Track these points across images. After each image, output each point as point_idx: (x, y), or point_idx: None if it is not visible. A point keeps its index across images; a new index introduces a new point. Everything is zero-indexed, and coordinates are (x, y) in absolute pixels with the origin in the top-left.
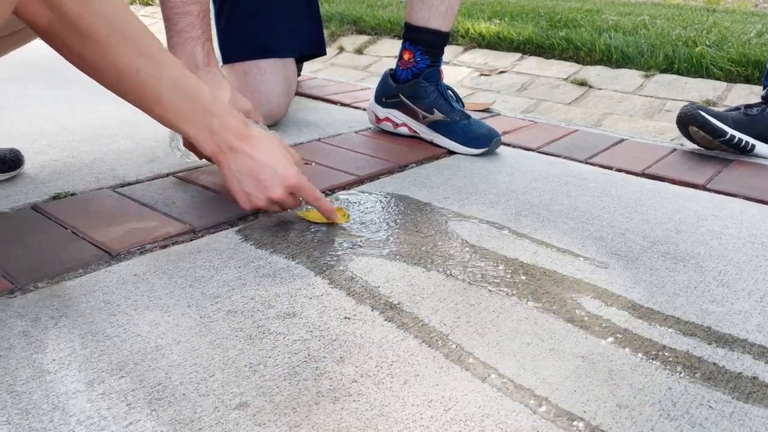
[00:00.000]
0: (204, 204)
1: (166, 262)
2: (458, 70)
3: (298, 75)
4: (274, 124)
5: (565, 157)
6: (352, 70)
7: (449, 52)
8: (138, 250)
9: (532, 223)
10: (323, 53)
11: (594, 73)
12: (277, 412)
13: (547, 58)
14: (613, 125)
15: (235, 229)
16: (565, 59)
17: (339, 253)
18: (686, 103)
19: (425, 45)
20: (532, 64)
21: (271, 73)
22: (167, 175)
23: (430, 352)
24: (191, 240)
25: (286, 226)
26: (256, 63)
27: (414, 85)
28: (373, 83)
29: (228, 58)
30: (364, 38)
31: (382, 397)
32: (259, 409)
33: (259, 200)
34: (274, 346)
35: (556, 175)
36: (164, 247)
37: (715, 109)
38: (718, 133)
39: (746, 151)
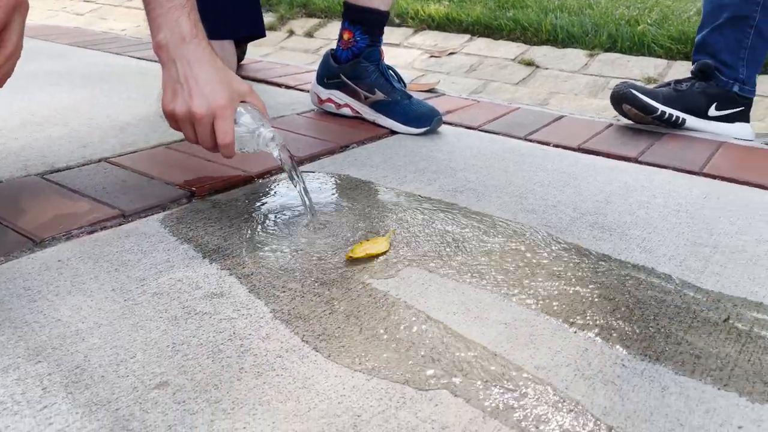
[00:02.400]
0: (136, 188)
1: (93, 247)
2: (409, 52)
3: (242, 58)
4: None
5: (505, 135)
6: (302, 54)
7: (400, 34)
8: (64, 236)
9: (467, 198)
10: (262, 35)
11: (541, 53)
12: (198, 389)
13: (495, 39)
14: (559, 104)
15: (168, 212)
16: (513, 40)
17: (272, 233)
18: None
19: (364, 24)
20: (481, 45)
21: None
22: (99, 160)
23: (357, 324)
24: (120, 224)
25: (220, 208)
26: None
27: (355, 65)
28: None
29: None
30: (314, 21)
31: (305, 370)
32: (179, 388)
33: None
34: (199, 326)
35: (495, 152)
36: (92, 232)
37: (649, 86)
38: (650, 110)
39: (677, 125)
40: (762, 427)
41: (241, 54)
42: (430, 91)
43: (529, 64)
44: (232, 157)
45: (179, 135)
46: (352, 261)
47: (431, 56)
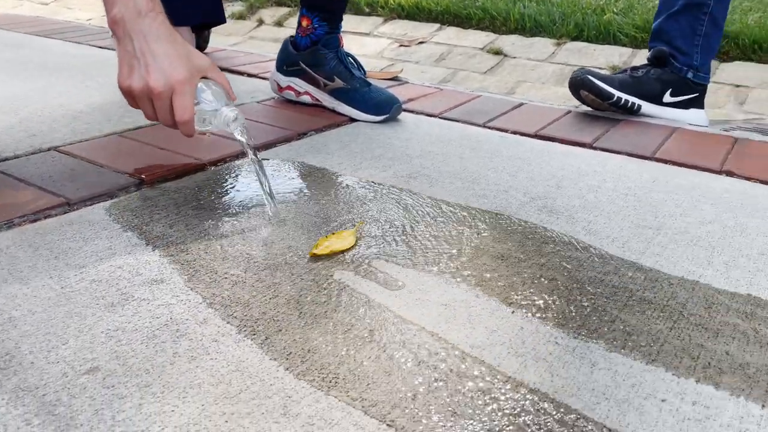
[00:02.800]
0: (84, 176)
1: (34, 235)
2: (378, 41)
3: (205, 46)
4: None
5: (465, 122)
6: (271, 43)
7: (370, 23)
8: (5, 224)
9: (420, 184)
10: (222, 21)
11: (509, 42)
12: (129, 374)
13: (464, 28)
14: (526, 92)
15: (115, 200)
16: (481, 29)
17: (219, 220)
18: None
19: (322, 11)
20: (450, 34)
21: None
22: (49, 149)
23: (297, 308)
24: (65, 213)
25: (169, 196)
26: None
27: (314, 52)
28: None
29: None
30: (284, 10)
31: (240, 353)
32: (109, 373)
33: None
34: (136, 312)
35: (453, 138)
36: (35, 221)
37: (604, 72)
38: (606, 96)
39: (633, 111)
40: (685, 400)
41: (202, 42)
42: (394, 79)
43: (498, 53)
44: (192, 136)
45: (133, 123)
46: (316, 257)
47: (401, 45)
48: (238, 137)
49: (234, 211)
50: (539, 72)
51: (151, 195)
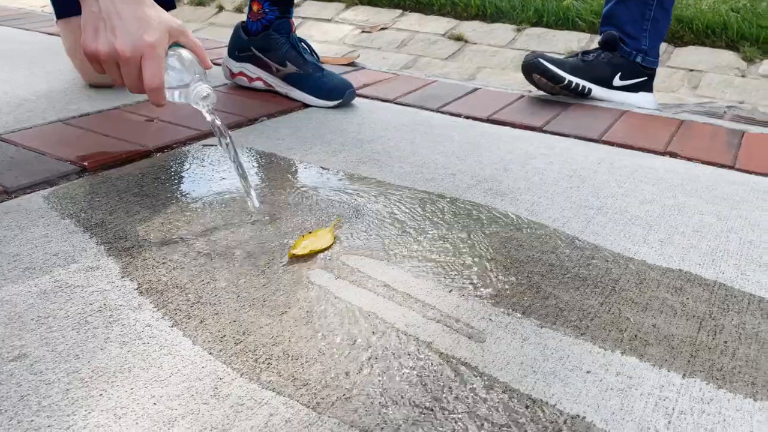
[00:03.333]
0: (23, 165)
1: None
2: (340, 27)
3: None
4: None
5: (419, 107)
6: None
7: (331, 9)
8: None
9: (369, 169)
10: (172, 7)
11: (470, 28)
12: (58, 360)
13: (426, 14)
14: (486, 78)
15: (54, 188)
16: (443, 15)
17: (160, 206)
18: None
19: None
20: (412, 20)
21: None
22: None
23: (235, 292)
24: (2, 201)
25: (111, 183)
26: None
27: (265, 37)
28: None
29: (62, 13)
30: None
31: (173, 337)
32: (38, 359)
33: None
34: (69, 299)
35: (405, 123)
36: None
37: (556, 56)
38: (557, 79)
39: (584, 94)
40: (609, 371)
41: None
42: (351, 64)
43: (459, 39)
44: (163, 105)
45: (78, 111)
46: (296, 258)
47: (363, 31)
48: (207, 117)
49: (177, 198)
50: (499, 58)
51: (92, 182)
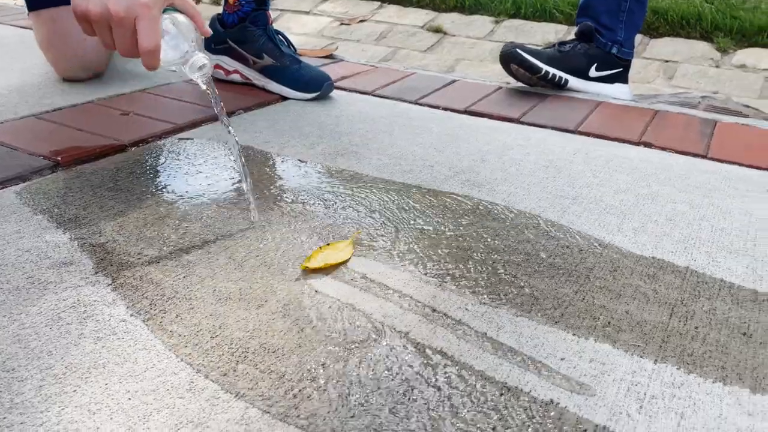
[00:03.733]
0: None
1: None
2: (318, 19)
3: None
4: (95, 76)
5: (397, 99)
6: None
7: (310, 1)
8: None
9: (347, 161)
10: None
11: (449, 20)
12: (31, 356)
13: (405, 6)
14: (465, 70)
15: (26, 183)
16: (422, 7)
17: (135, 200)
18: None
19: None
20: (391, 12)
21: None
22: None
23: (211, 286)
24: None
25: (85, 178)
26: (66, 9)
27: (242, 29)
28: None
29: (33, 4)
30: None
31: (149, 332)
32: (10, 356)
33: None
34: (42, 295)
35: (384, 115)
36: None
37: (534, 47)
38: (535, 70)
39: (561, 85)
40: (583, 358)
41: None
42: (329, 57)
43: (438, 31)
44: (156, 68)
45: (52, 105)
46: (312, 271)
47: (341, 24)
48: (202, 87)
49: (152, 192)
50: (478, 50)
51: (65, 177)
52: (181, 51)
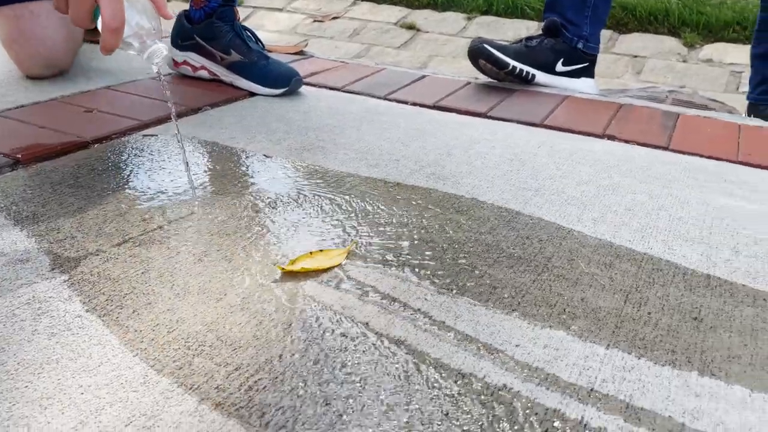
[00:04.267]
0: None
1: None
2: (292, 16)
3: None
4: (59, 74)
5: (367, 95)
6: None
7: None
8: None
9: (313, 156)
10: None
11: (422, 16)
12: None
13: (378, 2)
14: (437, 66)
15: None
16: (395, 3)
17: (95, 197)
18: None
19: None
20: (365, 9)
21: (46, 16)
22: None
23: (170, 280)
24: None
25: (45, 175)
26: (27, 6)
27: (208, 25)
28: None
29: None
30: None
31: (104, 328)
32: None
33: None
34: None
35: (352, 111)
36: None
37: (502, 42)
38: (502, 65)
39: (528, 80)
40: (537, 344)
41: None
42: (299, 53)
43: (411, 27)
44: (114, 49)
45: (14, 102)
46: (287, 274)
47: (315, 21)
48: (154, 69)
49: (113, 189)
50: (451, 46)
51: (25, 175)
52: (141, 34)
